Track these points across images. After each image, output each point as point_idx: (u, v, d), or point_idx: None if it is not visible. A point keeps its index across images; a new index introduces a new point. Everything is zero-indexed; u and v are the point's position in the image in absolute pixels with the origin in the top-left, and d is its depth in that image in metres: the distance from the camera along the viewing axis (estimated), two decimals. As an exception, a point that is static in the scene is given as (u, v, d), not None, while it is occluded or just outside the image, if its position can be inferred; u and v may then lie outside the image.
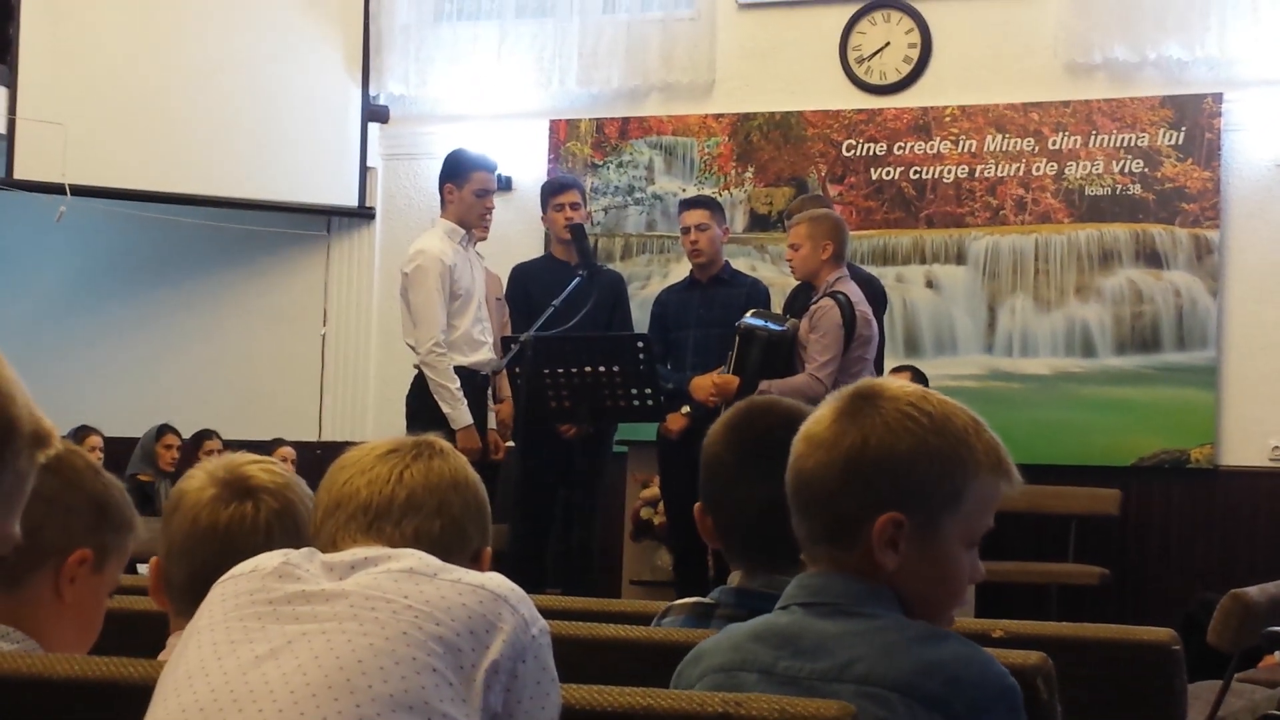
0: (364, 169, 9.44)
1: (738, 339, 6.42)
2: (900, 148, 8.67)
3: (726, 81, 9.01)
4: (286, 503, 2.21)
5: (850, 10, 8.78)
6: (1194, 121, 8.22)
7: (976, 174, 8.54)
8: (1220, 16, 8.11)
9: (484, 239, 6.98)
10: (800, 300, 6.68)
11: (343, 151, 9.40)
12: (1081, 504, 8.06)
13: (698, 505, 2.46)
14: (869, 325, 6.33)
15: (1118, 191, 8.33)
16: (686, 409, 6.77)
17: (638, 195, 9.12)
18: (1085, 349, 8.33)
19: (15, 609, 2.12)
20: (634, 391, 6.33)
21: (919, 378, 7.59)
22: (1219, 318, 8.16)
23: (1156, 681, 2.58)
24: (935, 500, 1.92)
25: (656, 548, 7.70)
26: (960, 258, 8.55)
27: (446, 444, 2.04)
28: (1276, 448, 8.04)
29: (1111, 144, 8.34)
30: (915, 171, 8.64)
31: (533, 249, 8.19)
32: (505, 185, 8.77)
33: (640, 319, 7.61)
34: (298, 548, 1.89)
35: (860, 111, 8.75)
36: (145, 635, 2.27)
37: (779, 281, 7.92)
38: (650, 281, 8.79)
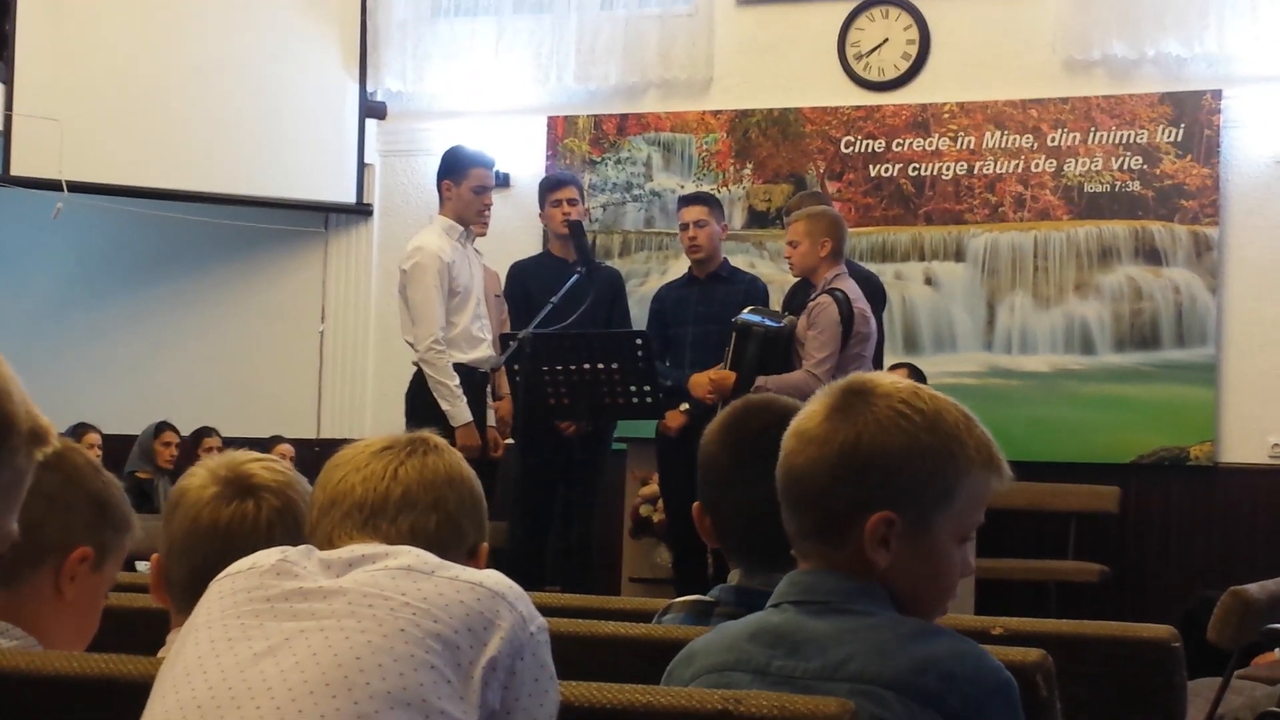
0: (362, 165, 9.44)
1: (734, 335, 6.42)
2: (899, 144, 8.66)
3: (725, 78, 9.00)
4: (288, 501, 2.21)
5: (849, 6, 8.78)
6: (1193, 118, 8.22)
7: (975, 171, 8.54)
8: (1219, 13, 8.10)
9: (483, 235, 6.98)
10: (799, 297, 6.68)
11: (340, 148, 9.39)
12: (1081, 501, 8.06)
13: (696, 505, 2.45)
14: (867, 322, 6.32)
15: (1117, 188, 8.32)
16: (685, 406, 6.77)
17: (636, 192, 9.12)
18: (1084, 346, 8.32)
19: (15, 606, 2.12)
20: (633, 389, 6.33)
21: (916, 375, 7.59)
22: (1218, 315, 8.16)
23: (1156, 679, 2.58)
24: (927, 498, 1.91)
25: (656, 545, 7.70)
26: (959, 255, 8.54)
27: (441, 440, 2.04)
28: (1276, 445, 8.04)
29: (1110, 141, 8.34)
30: (914, 168, 8.64)
31: (531, 245, 8.19)
32: (503, 182, 8.76)
33: (639, 316, 7.61)
34: (299, 545, 1.89)
35: (859, 108, 8.75)
36: (143, 632, 2.27)
37: (778, 278, 7.92)
38: (649, 278, 8.79)
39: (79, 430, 8.61)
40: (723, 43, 8.98)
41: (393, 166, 9.58)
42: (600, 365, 6.27)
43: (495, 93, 9.25)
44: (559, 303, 6.37)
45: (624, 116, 9.15)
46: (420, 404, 6.57)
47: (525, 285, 7.14)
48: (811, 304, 6.32)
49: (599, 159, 9.16)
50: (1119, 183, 8.32)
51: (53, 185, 8.62)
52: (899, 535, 1.91)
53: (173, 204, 9.16)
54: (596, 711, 1.80)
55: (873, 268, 7.80)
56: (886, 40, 8.74)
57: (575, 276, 6.54)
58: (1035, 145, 8.45)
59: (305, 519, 2.14)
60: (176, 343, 9.78)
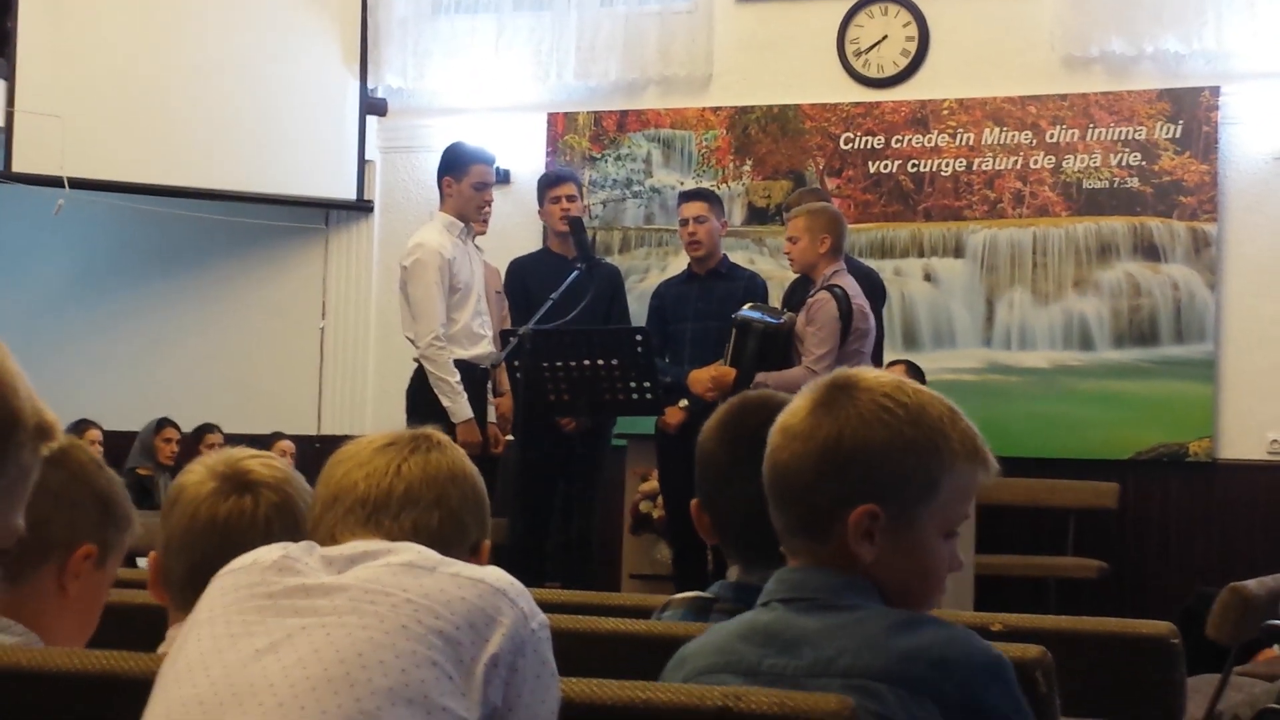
0: (362, 162, 9.44)
1: (734, 331, 6.42)
2: (898, 141, 8.67)
3: (724, 75, 9.01)
4: (286, 497, 2.21)
5: (848, 3, 8.79)
6: (1191, 115, 8.22)
7: (974, 167, 8.54)
8: (1217, 9, 8.11)
9: (483, 233, 6.98)
10: (799, 294, 6.67)
11: (341, 145, 9.40)
12: (1080, 497, 8.06)
13: (694, 502, 2.45)
14: (866, 319, 6.32)
15: (1115, 185, 8.33)
16: (684, 402, 6.77)
17: (636, 188, 9.12)
18: (1083, 342, 8.33)
19: (17, 603, 2.12)
20: (633, 385, 6.32)
21: (914, 371, 7.59)
22: (1217, 311, 8.16)
23: (1155, 675, 2.58)
24: (911, 491, 1.91)
25: (655, 541, 7.70)
26: (958, 251, 8.55)
27: (444, 437, 2.04)
28: (1275, 441, 8.05)
29: (1109, 137, 8.35)
30: (913, 164, 8.64)
31: (531, 242, 8.19)
32: (503, 178, 8.76)
33: (638, 312, 7.61)
34: (297, 541, 1.90)
35: (858, 105, 8.76)
36: (143, 628, 2.27)
37: (777, 275, 7.92)
38: (648, 274, 8.79)
39: (80, 426, 8.61)
40: (722, 39, 8.99)
41: (393, 163, 9.58)
42: (600, 361, 6.26)
43: (495, 89, 9.26)
44: (559, 299, 6.37)
45: (624, 113, 9.15)
46: (421, 400, 6.57)
47: (524, 282, 7.14)
48: (810, 300, 6.32)
49: (599, 155, 9.16)
50: (1118, 179, 8.32)
51: (54, 182, 8.62)
52: (883, 529, 1.91)
53: (174, 200, 9.17)
54: (597, 708, 1.80)
55: (872, 264, 7.79)
56: (886, 37, 8.75)
57: (575, 273, 6.53)
58: (1034, 142, 8.46)
59: (303, 515, 2.14)
60: (177, 339, 9.78)
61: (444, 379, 6.54)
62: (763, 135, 8.90)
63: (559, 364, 6.26)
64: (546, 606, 1.86)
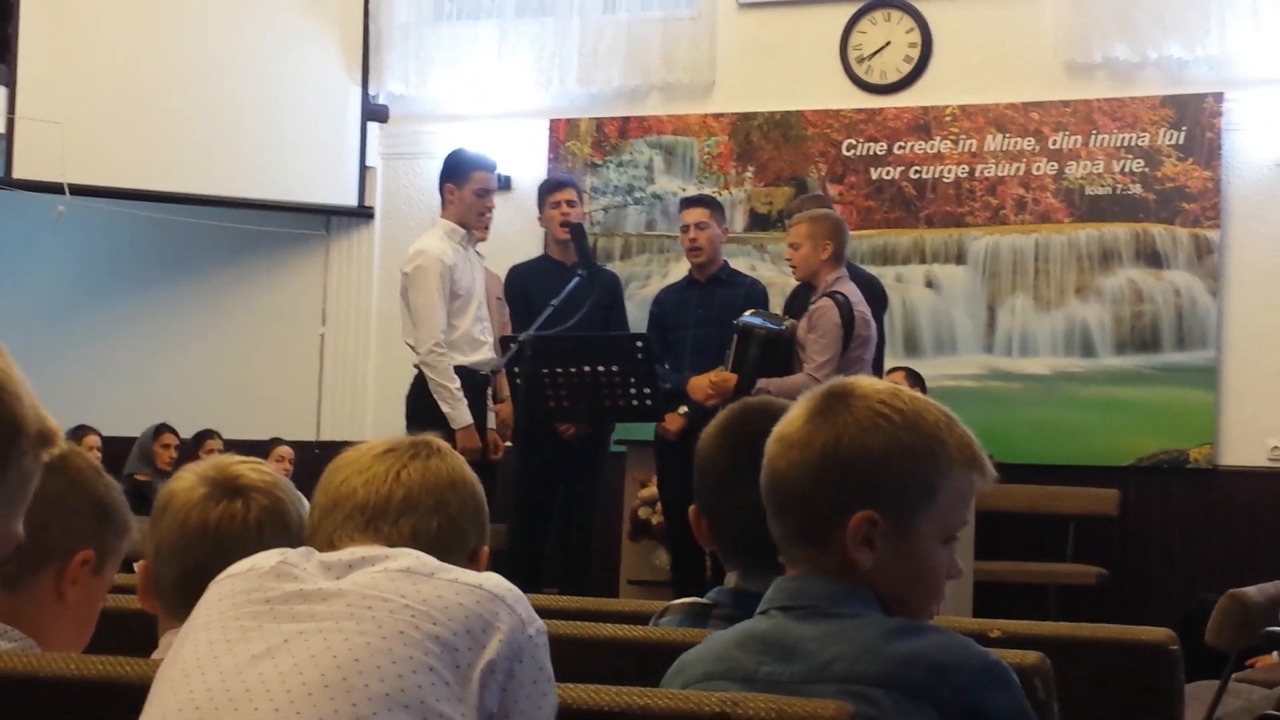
0: (363, 168, 9.45)
1: (735, 337, 6.42)
2: (900, 147, 8.67)
3: (726, 81, 9.01)
4: (276, 501, 2.21)
5: (850, 10, 8.78)
6: (1194, 121, 8.22)
7: (976, 174, 8.54)
8: (1220, 16, 8.10)
9: (484, 239, 6.98)
10: (800, 301, 6.67)
11: (342, 151, 9.40)
12: (1080, 504, 8.05)
13: (693, 508, 2.45)
14: (867, 325, 6.32)
15: (1118, 191, 8.32)
16: (684, 409, 6.77)
17: (637, 195, 9.12)
18: (1085, 349, 8.32)
19: (15, 608, 2.12)
20: (633, 391, 6.33)
21: (914, 378, 7.60)
22: (1219, 318, 8.15)
23: (1154, 681, 2.58)
24: (909, 497, 1.92)
25: (654, 547, 7.70)
26: (960, 257, 8.54)
27: (444, 443, 2.04)
28: (1276, 448, 8.04)
29: (1112, 144, 8.34)
30: (915, 171, 8.64)
31: (532, 249, 8.18)
32: (505, 185, 8.77)
33: (638, 319, 7.61)
34: (288, 547, 1.89)
35: (860, 111, 8.75)
36: (140, 634, 2.27)
37: (779, 281, 7.92)
38: (650, 281, 8.79)
39: (78, 432, 8.61)
40: (725, 46, 8.99)
41: (394, 169, 9.58)
42: (600, 368, 6.27)
43: (497, 96, 9.26)
44: (560, 305, 6.37)
45: (626, 119, 9.15)
46: (421, 407, 6.58)
47: (525, 288, 7.14)
48: (812, 307, 6.32)
49: (601, 162, 9.17)
50: (1120, 185, 8.32)
51: (54, 188, 8.62)
52: (882, 535, 1.91)
53: (174, 207, 9.17)
54: (594, 714, 1.80)
55: (874, 270, 7.80)
56: (888, 43, 8.75)
57: (577, 279, 6.54)
58: (1036, 148, 8.45)
59: (294, 520, 2.15)
60: (177, 345, 9.78)
61: (444, 385, 6.55)
62: (765, 141, 8.90)
63: (559, 370, 6.26)
64: (544, 612, 1.86)
